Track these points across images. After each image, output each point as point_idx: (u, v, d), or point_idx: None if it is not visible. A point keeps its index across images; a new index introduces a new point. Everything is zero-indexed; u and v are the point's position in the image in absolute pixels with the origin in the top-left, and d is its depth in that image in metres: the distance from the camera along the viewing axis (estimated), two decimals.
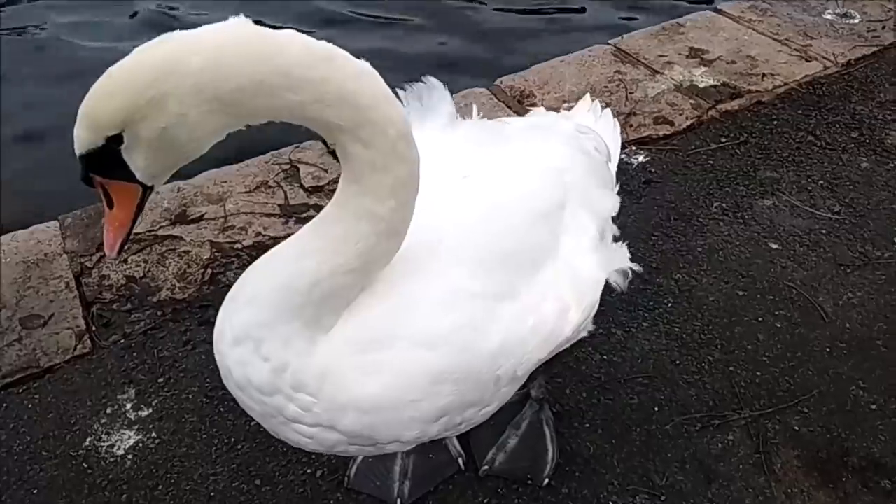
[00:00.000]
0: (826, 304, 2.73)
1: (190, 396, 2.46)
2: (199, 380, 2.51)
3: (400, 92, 1.89)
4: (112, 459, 2.29)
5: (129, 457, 2.29)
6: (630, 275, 1.84)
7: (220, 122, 1.19)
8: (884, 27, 4.49)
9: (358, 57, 1.25)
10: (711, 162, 3.48)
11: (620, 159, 2.52)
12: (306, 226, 1.46)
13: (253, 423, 2.32)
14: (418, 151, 1.36)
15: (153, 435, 2.35)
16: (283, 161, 3.46)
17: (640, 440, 2.30)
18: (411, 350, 1.46)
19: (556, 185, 1.82)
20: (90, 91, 1.15)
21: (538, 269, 1.66)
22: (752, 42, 4.36)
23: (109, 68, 1.16)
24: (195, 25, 1.18)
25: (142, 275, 2.89)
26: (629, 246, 1.90)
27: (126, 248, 1.37)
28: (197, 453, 2.30)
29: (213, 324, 2.64)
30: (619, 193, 2.13)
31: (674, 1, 5.92)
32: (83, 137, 1.17)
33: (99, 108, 1.14)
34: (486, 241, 1.62)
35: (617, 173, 2.22)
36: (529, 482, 2.20)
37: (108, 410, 2.43)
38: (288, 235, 2.99)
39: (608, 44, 4.38)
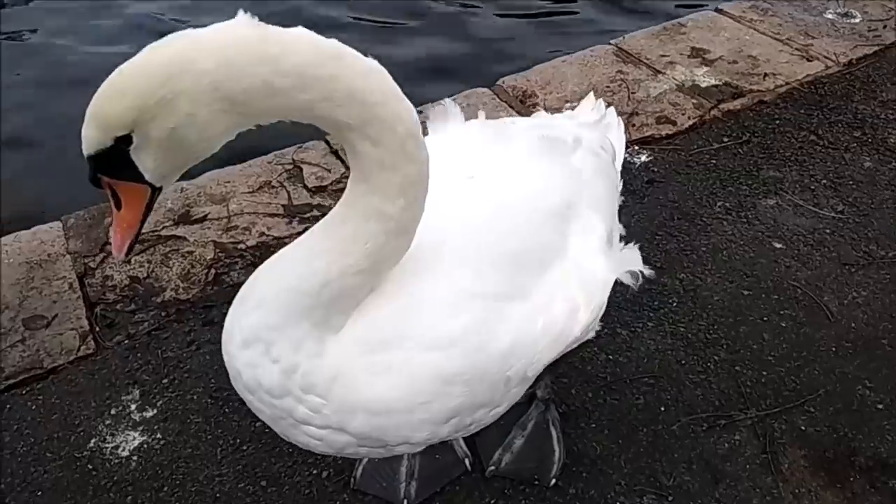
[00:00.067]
0: (831, 303, 2.73)
1: (195, 397, 2.45)
2: (203, 380, 2.50)
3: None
4: (117, 461, 2.28)
5: (134, 458, 2.28)
6: (640, 276, 1.84)
7: (231, 122, 1.19)
8: (885, 26, 4.49)
9: None
10: (714, 161, 3.48)
11: (623, 159, 2.52)
12: (314, 226, 1.45)
13: (258, 424, 2.32)
14: (427, 150, 1.36)
15: (158, 436, 2.34)
16: (286, 161, 3.45)
17: (646, 440, 2.29)
18: (422, 351, 1.45)
19: (564, 185, 1.81)
20: (98, 91, 1.14)
21: (547, 269, 1.66)
22: (754, 42, 4.36)
23: (118, 68, 1.15)
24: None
25: (145, 275, 2.89)
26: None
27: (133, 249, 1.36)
28: (202, 454, 2.29)
29: (217, 324, 2.69)
30: (622, 193, 2.13)
31: (664, 1, 5.94)
32: (92, 138, 1.16)
33: (108, 108, 1.13)
34: (493, 241, 1.61)
35: (620, 173, 2.22)
36: (536, 483, 2.19)
37: (113, 411, 2.42)
38: (291, 235, 3.05)
39: (610, 44, 4.38)
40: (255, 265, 2.89)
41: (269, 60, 1.14)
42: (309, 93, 1.19)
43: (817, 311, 2.71)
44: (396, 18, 5.88)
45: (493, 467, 2.22)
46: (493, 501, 2.16)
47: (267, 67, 1.14)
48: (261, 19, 1.17)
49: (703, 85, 3.98)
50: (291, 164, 3.44)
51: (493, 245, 1.60)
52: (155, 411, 2.42)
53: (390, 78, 1.27)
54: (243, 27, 1.15)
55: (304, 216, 3.17)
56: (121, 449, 2.31)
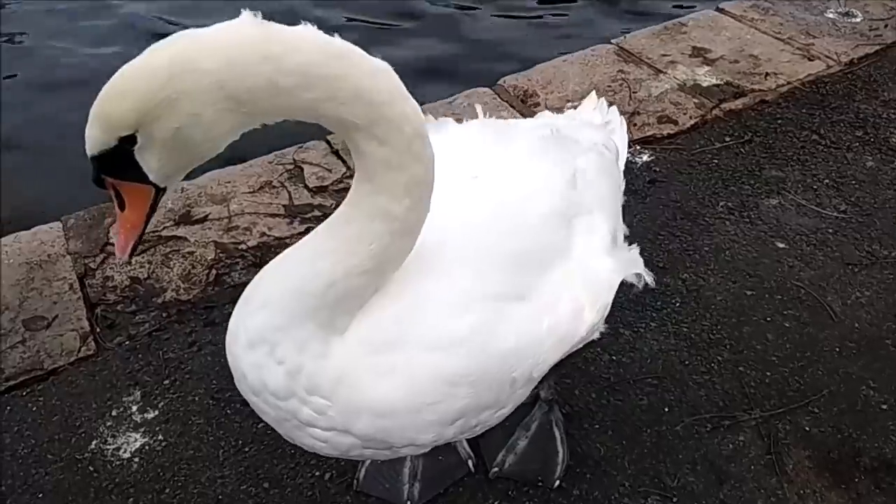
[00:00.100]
0: (834, 303, 2.72)
1: (196, 398, 2.44)
2: (205, 381, 2.49)
3: None
4: (118, 462, 2.27)
5: (136, 460, 2.27)
6: (644, 278, 1.83)
7: (236, 122, 1.18)
8: (886, 26, 4.48)
9: None
10: (716, 161, 3.47)
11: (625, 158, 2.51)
12: (319, 227, 1.44)
13: (260, 426, 2.31)
14: (433, 150, 1.35)
15: (160, 437, 2.33)
16: (286, 161, 3.44)
17: (650, 441, 2.28)
18: (427, 353, 1.44)
19: (568, 184, 1.80)
20: (102, 91, 1.13)
21: (551, 269, 1.65)
22: (755, 41, 4.35)
23: (122, 68, 1.14)
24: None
25: (146, 276, 2.88)
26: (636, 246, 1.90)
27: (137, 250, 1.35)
28: (204, 456, 2.28)
29: (218, 325, 2.68)
30: (624, 193, 2.12)
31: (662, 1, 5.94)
32: (95, 138, 1.15)
33: (112, 108, 1.12)
34: (497, 241, 1.60)
35: (622, 172, 2.21)
36: (540, 484, 2.18)
37: (114, 413, 2.41)
38: (293, 236, 3.04)
39: (611, 43, 4.37)
40: (256, 265, 2.89)
41: (272, 59, 1.13)
42: (314, 92, 1.17)
43: (821, 311, 2.70)
44: (394, 20, 5.87)
45: (496, 469, 2.21)
46: (496, 503, 2.15)
47: (270, 66, 1.13)
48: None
49: (705, 84, 3.97)
50: (292, 164, 3.43)
51: (497, 245, 1.59)
52: (156, 413, 2.40)
53: (397, 77, 1.26)
54: (247, 26, 1.14)
55: (305, 216, 3.16)
56: (122, 451, 2.30)
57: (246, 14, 1.15)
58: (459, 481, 2.20)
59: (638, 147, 3.53)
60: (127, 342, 2.63)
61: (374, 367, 1.42)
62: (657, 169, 3.43)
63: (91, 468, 2.25)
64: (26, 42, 5.49)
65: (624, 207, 2.06)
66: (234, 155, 3.43)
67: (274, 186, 3.31)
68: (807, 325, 2.64)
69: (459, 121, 2.09)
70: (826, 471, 2.21)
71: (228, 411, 2.39)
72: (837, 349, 2.56)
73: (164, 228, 3.06)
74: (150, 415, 2.40)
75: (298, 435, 1.49)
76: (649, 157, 3.50)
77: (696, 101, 3.85)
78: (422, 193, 1.36)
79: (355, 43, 1.21)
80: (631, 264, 1.86)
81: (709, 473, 2.20)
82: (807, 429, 2.31)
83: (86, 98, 1.14)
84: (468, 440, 2.23)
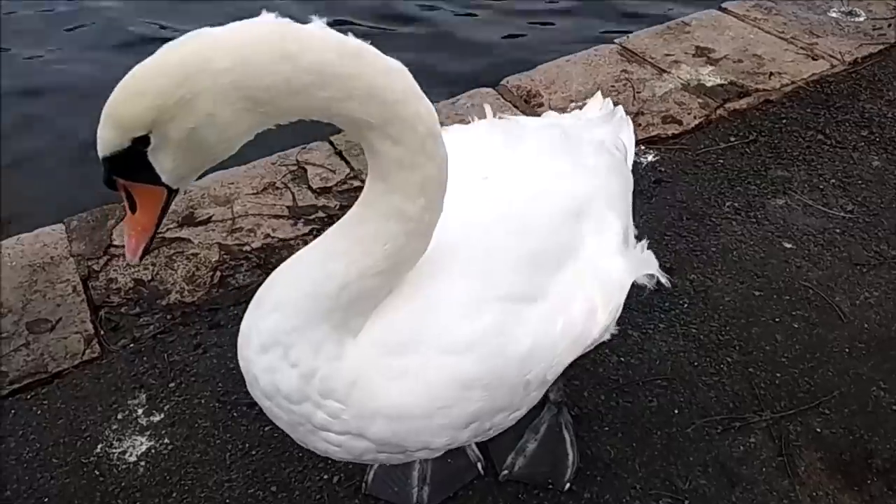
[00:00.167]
0: (843, 303, 2.71)
1: (202, 401, 2.42)
2: (210, 384, 2.47)
3: None
4: (124, 466, 2.25)
5: (142, 463, 2.25)
6: (658, 278, 1.81)
7: (252, 121, 1.16)
8: (889, 25, 4.47)
9: None
10: (721, 161, 3.46)
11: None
12: (331, 228, 1.43)
13: (267, 428, 2.30)
14: (446, 149, 1.33)
15: (166, 441, 2.31)
16: (290, 162, 3.42)
17: (661, 443, 2.27)
18: (441, 355, 1.43)
19: (579, 183, 1.79)
20: (115, 92, 1.11)
21: (563, 270, 1.63)
22: (758, 41, 4.34)
23: (134, 67, 1.12)
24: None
25: (150, 278, 2.86)
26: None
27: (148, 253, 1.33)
28: (211, 459, 2.26)
29: (223, 327, 2.67)
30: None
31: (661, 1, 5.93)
32: (108, 139, 1.13)
33: (126, 108, 1.10)
34: (509, 241, 1.59)
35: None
36: (550, 487, 2.16)
37: (119, 416, 2.39)
38: (297, 237, 3.02)
39: (614, 43, 4.36)
40: (260, 267, 2.87)
41: (288, 58, 1.11)
42: (329, 91, 1.16)
43: (829, 311, 2.68)
44: (395, 20, 5.85)
45: (506, 471, 2.19)
46: None
47: (287, 65, 1.11)
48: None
49: (709, 84, 3.96)
50: (296, 164, 3.41)
51: (509, 246, 1.58)
52: (162, 416, 2.38)
53: (411, 76, 1.25)
54: (263, 24, 1.13)
55: (308, 217, 3.14)
56: (128, 454, 2.28)
57: (265, 14, 1.13)
58: (469, 484, 2.18)
59: (642, 147, 3.51)
60: (131, 345, 2.61)
61: (389, 369, 1.40)
62: (662, 169, 3.41)
63: (97, 472, 2.23)
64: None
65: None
66: (237, 156, 3.40)
67: (277, 188, 3.29)
68: (816, 326, 2.63)
69: (463, 121, 2.07)
70: (838, 472, 2.19)
71: (235, 414, 2.37)
72: (847, 350, 2.54)
73: (167, 230, 3.04)
74: (156, 418, 2.38)
75: (312, 439, 1.47)
76: (654, 157, 3.48)
77: (700, 100, 3.83)
78: (436, 193, 1.35)
79: None
80: (643, 264, 1.85)
81: (720, 476, 2.18)
82: (818, 430, 2.30)
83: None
84: (478, 443, 2.21)
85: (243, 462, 2.24)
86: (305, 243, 2.96)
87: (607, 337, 1.80)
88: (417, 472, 2.16)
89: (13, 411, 2.40)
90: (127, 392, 2.46)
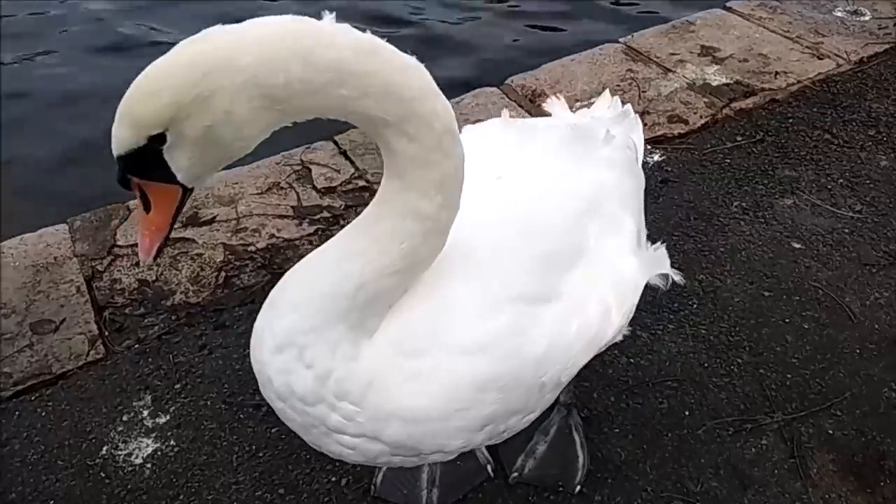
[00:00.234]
0: (853, 304, 2.69)
1: (208, 403, 2.40)
2: (216, 385, 2.45)
3: None
4: (130, 468, 2.22)
5: (148, 465, 2.23)
6: (671, 277, 1.80)
7: (271, 119, 1.14)
8: (894, 24, 4.46)
9: None
10: (728, 161, 3.44)
11: None
12: (347, 227, 1.41)
13: (274, 430, 2.28)
14: (463, 147, 1.31)
15: (172, 443, 2.29)
16: (294, 162, 3.40)
17: (671, 445, 2.25)
18: (456, 357, 1.41)
19: (592, 183, 1.77)
20: (130, 90, 1.10)
21: (577, 270, 1.61)
22: (764, 40, 4.32)
23: (149, 65, 1.10)
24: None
25: (154, 278, 2.83)
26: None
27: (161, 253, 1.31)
28: (217, 461, 2.23)
29: (228, 327, 2.65)
30: None
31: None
32: (123, 138, 1.11)
33: (143, 106, 1.08)
34: (524, 241, 1.57)
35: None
36: (560, 489, 2.14)
37: (125, 418, 2.36)
38: (302, 237, 3.00)
39: (619, 42, 4.34)
40: (265, 267, 2.86)
41: (306, 55, 1.10)
42: (346, 88, 1.14)
43: (839, 312, 2.67)
44: (395, 21, 5.83)
45: (516, 474, 2.17)
46: None
47: (304, 63, 1.10)
48: None
49: (715, 83, 3.94)
50: (300, 164, 3.39)
51: (523, 246, 1.56)
52: (168, 417, 2.36)
53: (427, 73, 1.24)
54: (281, 22, 1.11)
55: (313, 217, 3.12)
56: (134, 456, 2.26)
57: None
58: (478, 487, 2.16)
59: (649, 147, 3.49)
60: (136, 346, 2.59)
61: (404, 371, 1.38)
62: (669, 169, 3.39)
63: (102, 474, 2.21)
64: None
65: None
66: None
67: (282, 187, 3.27)
68: (826, 327, 2.61)
69: (467, 121, 2.05)
70: (850, 474, 2.17)
71: (241, 416, 2.35)
72: (858, 351, 2.53)
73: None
74: (162, 419, 2.35)
75: (326, 442, 1.45)
76: (660, 156, 3.46)
77: (706, 100, 3.82)
78: (453, 191, 1.33)
79: None
80: (656, 264, 1.83)
81: (732, 478, 2.17)
82: (830, 432, 2.28)
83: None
84: (487, 445, 2.19)
85: (250, 464, 2.22)
86: (310, 243, 2.96)
87: (620, 338, 1.78)
88: (427, 474, 2.14)
89: (17, 413, 2.37)
90: (132, 393, 2.43)
